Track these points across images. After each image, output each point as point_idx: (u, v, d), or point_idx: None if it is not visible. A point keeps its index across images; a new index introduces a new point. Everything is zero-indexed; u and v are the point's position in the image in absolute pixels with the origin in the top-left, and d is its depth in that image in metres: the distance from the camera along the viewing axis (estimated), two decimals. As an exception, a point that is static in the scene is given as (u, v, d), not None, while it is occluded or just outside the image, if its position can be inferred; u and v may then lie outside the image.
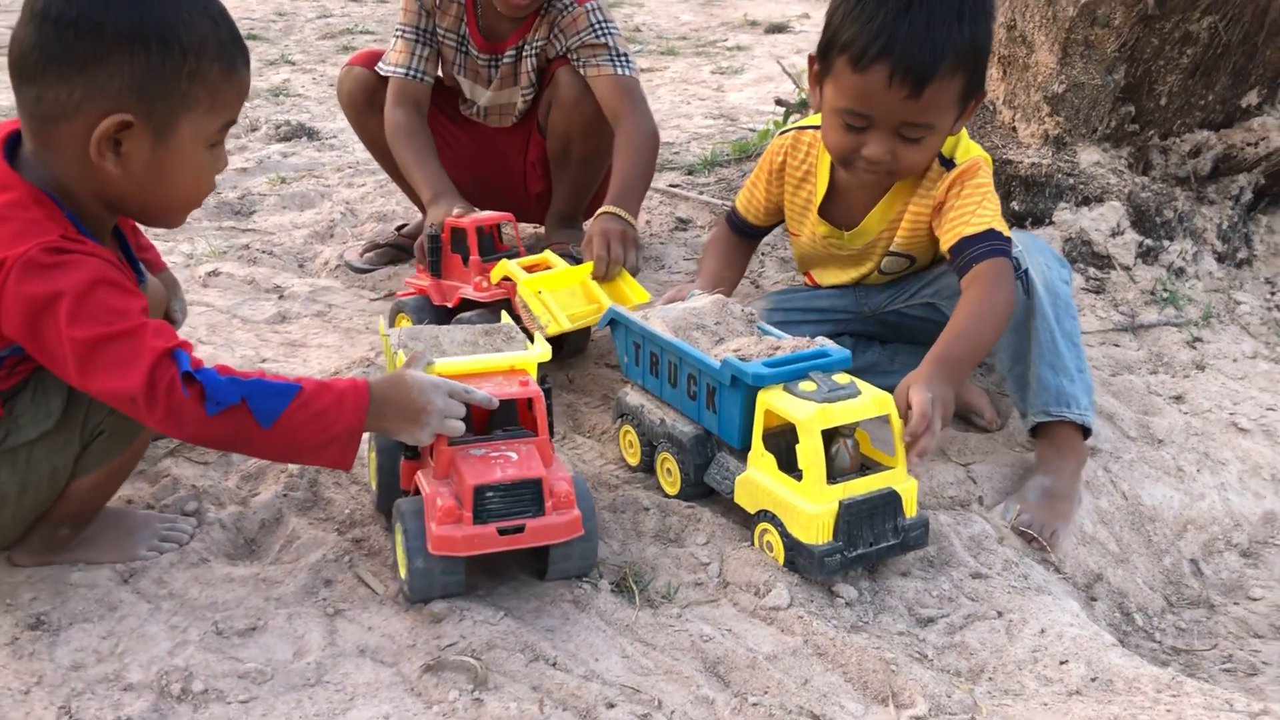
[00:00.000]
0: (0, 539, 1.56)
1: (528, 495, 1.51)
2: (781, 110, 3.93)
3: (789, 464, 1.64)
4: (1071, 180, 2.61)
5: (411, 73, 2.60)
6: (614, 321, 1.99)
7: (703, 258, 2.31)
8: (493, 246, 2.31)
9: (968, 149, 2.01)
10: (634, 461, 1.96)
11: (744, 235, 2.29)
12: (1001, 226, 1.92)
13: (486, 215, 2.30)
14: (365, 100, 2.72)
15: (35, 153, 1.42)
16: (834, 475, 1.61)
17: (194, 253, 3.09)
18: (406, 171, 2.57)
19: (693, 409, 1.83)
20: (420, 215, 2.98)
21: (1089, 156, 2.65)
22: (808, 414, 1.58)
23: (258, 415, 1.38)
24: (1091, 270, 2.58)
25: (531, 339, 1.76)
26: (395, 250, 3.00)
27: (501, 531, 1.50)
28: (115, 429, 1.53)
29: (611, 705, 1.37)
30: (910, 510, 1.66)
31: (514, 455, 1.56)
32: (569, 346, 2.29)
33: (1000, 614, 1.60)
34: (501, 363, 1.66)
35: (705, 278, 2.17)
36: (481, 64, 2.67)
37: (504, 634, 1.48)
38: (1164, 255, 2.60)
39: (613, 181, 2.42)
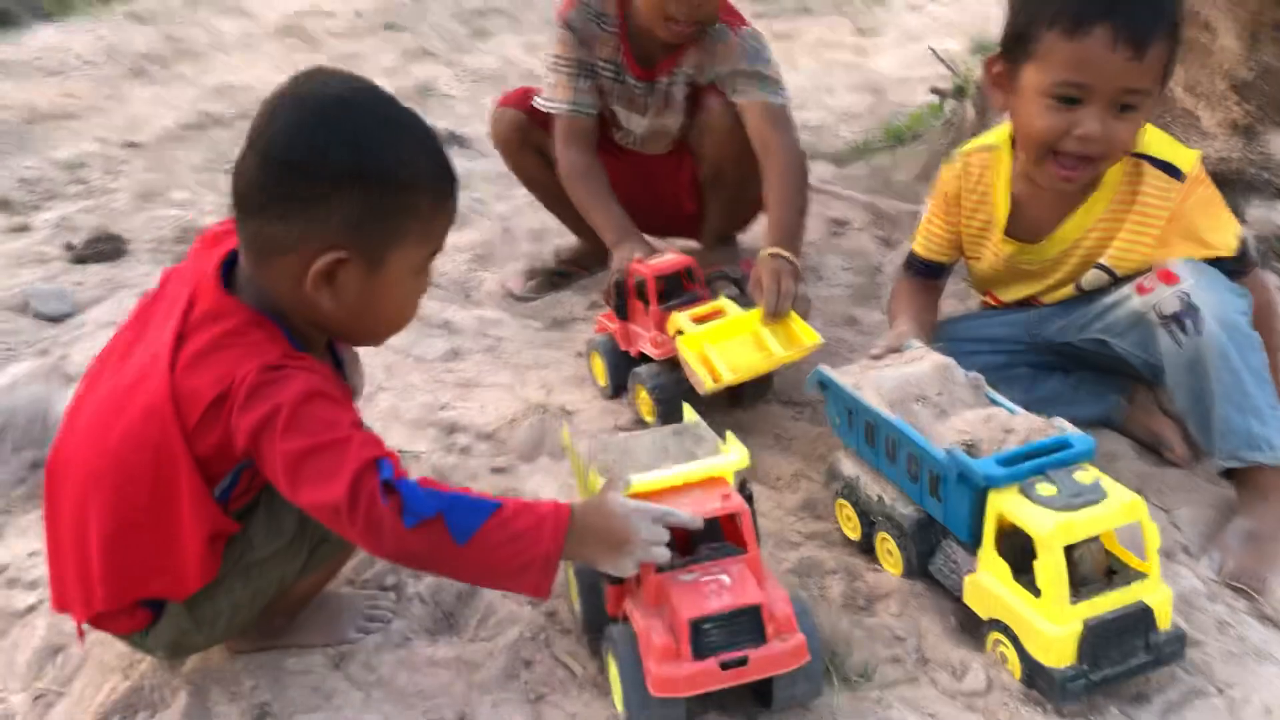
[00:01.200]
0: (226, 636, 1.65)
1: (747, 623, 1.44)
2: (936, 98, 3.79)
3: (1024, 564, 1.53)
4: (1266, 174, 2.44)
5: (577, 109, 2.61)
6: (824, 384, 1.90)
7: (891, 313, 2.22)
8: (680, 287, 2.30)
9: (1178, 148, 1.93)
10: (855, 537, 1.86)
11: (930, 277, 2.23)
12: (1243, 235, 1.95)
13: (668, 262, 2.29)
14: (519, 141, 2.76)
15: (252, 278, 1.48)
16: (1076, 583, 1.49)
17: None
18: (586, 212, 2.60)
19: (914, 491, 1.71)
20: (575, 239, 3.01)
21: (1282, 143, 2.48)
22: (1048, 530, 1.45)
23: (453, 531, 1.38)
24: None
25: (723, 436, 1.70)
26: (555, 276, 3.04)
27: (724, 665, 1.42)
28: (338, 536, 1.59)
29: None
30: (1164, 623, 1.51)
31: (726, 579, 1.48)
32: (751, 392, 2.28)
33: (1221, 690, 1.53)
34: (699, 473, 1.59)
35: (900, 323, 2.07)
36: (638, 92, 2.67)
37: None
38: None
39: (770, 221, 2.38)
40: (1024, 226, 2.05)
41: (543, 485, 2.12)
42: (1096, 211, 1.97)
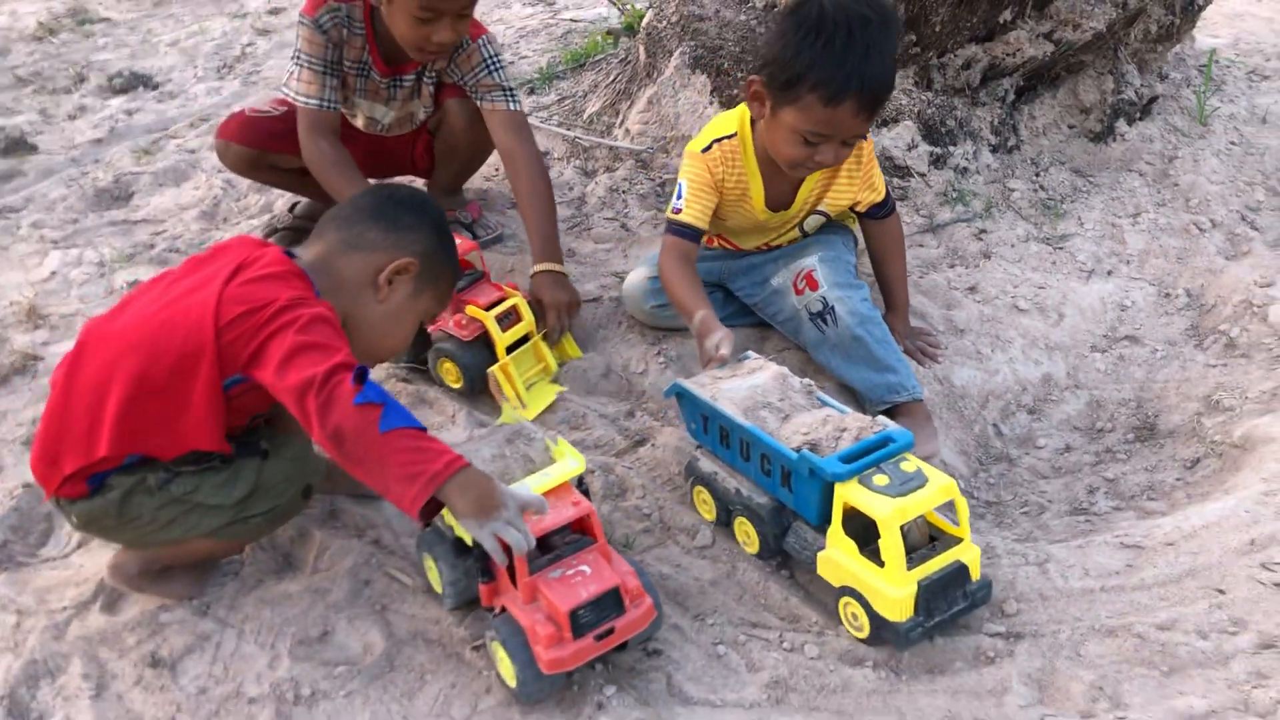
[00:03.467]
0: (125, 539, 1.97)
1: (610, 601, 1.75)
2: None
3: (862, 538, 1.86)
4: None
5: (325, 104, 2.83)
6: (680, 394, 2.16)
7: (672, 284, 2.46)
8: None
9: None
10: (710, 518, 2.17)
11: (696, 240, 2.52)
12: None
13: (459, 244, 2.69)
14: (250, 167, 3.04)
15: (316, 269, 1.93)
16: (908, 551, 1.81)
17: (102, 259, 3.32)
18: (340, 198, 2.83)
19: (767, 483, 2.01)
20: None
21: (884, 80, 3.15)
22: (887, 513, 1.77)
23: (382, 420, 1.67)
24: (896, 181, 3.12)
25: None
26: (294, 233, 3.26)
27: (597, 638, 1.73)
28: (258, 527, 1.98)
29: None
30: (975, 574, 1.86)
31: (587, 569, 1.77)
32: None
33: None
34: (551, 483, 1.84)
35: (695, 305, 2.36)
36: (383, 87, 2.95)
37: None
38: (951, 159, 3.16)
39: (532, 234, 2.76)
40: (774, 197, 2.53)
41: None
42: (818, 179, 2.52)
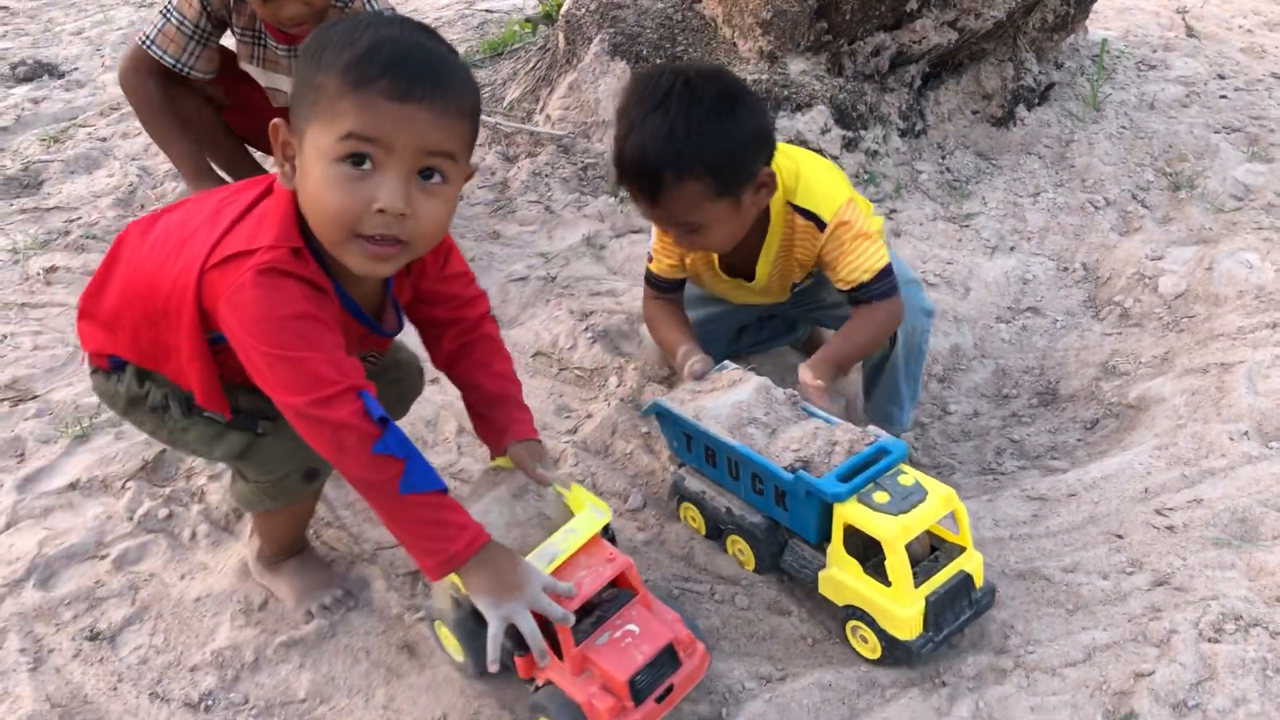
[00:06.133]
0: (127, 415, 1.78)
1: (665, 658, 1.62)
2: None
3: (860, 552, 1.78)
4: (786, 91, 3.22)
5: (181, 66, 2.81)
6: (660, 414, 2.04)
7: (655, 329, 2.35)
8: None
9: (828, 199, 2.12)
10: (702, 533, 2.09)
11: (672, 291, 2.36)
12: (886, 262, 2.12)
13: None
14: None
15: None
16: (911, 564, 1.73)
17: (15, 246, 3.26)
18: (164, 146, 2.91)
19: (760, 502, 1.92)
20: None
21: (796, 66, 3.26)
22: (892, 533, 1.70)
23: (404, 479, 1.51)
24: (810, 164, 3.23)
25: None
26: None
27: (658, 700, 1.61)
28: (259, 491, 1.82)
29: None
30: (979, 581, 1.81)
31: (635, 628, 1.63)
32: None
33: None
34: (579, 541, 1.70)
35: (677, 342, 2.22)
36: (281, 55, 2.93)
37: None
38: (862, 143, 3.29)
39: None
40: (733, 265, 2.27)
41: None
42: (774, 253, 2.21)
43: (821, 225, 2.12)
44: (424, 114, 1.42)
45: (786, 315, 2.57)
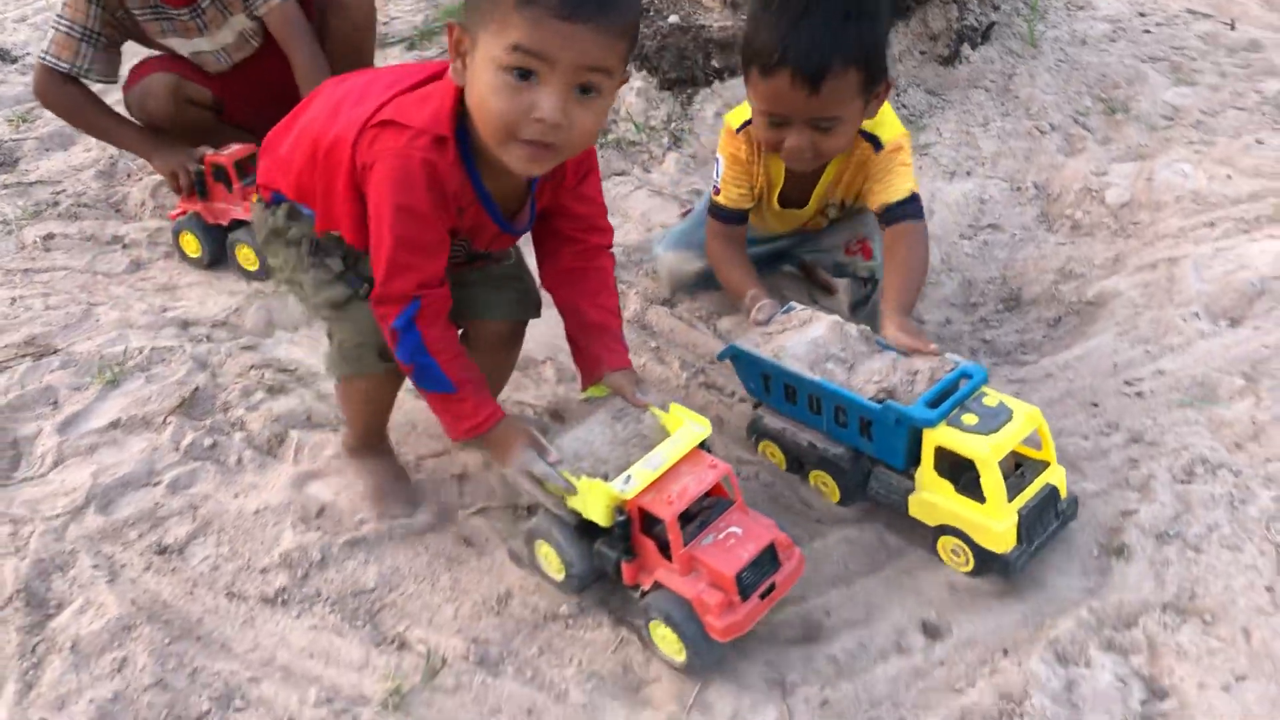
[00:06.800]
0: (264, 253, 2.17)
1: (767, 557, 1.72)
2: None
3: (950, 474, 1.86)
4: (751, 35, 3.39)
5: (75, 70, 2.95)
6: (736, 356, 2.10)
7: (720, 268, 2.43)
8: (248, 169, 2.92)
9: (891, 128, 2.28)
10: (783, 467, 2.15)
11: (738, 224, 2.43)
12: (917, 189, 2.27)
13: (238, 150, 2.93)
14: (170, 94, 3.07)
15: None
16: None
17: (6, 218, 3.31)
18: (107, 137, 3.14)
19: (843, 434, 1.98)
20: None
21: (758, 12, 3.44)
22: (985, 452, 1.77)
23: (415, 380, 1.83)
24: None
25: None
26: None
27: (762, 596, 1.70)
28: (338, 357, 1.99)
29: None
30: (1064, 493, 1.90)
31: (738, 530, 1.73)
32: None
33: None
34: (681, 451, 1.78)
35: (744, 285, 2.31)
36: (185, 19, 2.97)
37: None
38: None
39: None
40: (788, 194, 2.41)
41: (290, 350, 2.64)
42: (832, 175, 2.37)
43: (879, 146, 2.26)
44: (587, 33, 1.55)
45: (791, 255, 2.73)
